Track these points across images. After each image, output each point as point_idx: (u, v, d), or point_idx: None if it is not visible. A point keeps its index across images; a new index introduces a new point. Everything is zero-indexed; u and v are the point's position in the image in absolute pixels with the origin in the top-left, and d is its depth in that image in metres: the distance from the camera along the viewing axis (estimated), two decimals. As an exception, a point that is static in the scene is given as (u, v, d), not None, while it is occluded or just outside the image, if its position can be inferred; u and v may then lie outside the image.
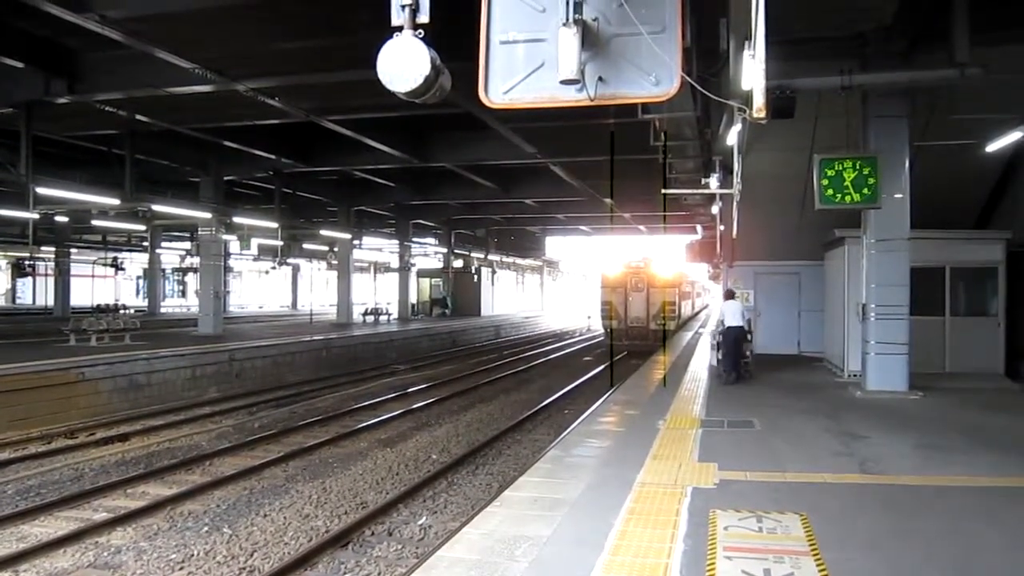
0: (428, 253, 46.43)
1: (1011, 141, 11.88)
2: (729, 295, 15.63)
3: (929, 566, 4.96)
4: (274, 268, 39.94)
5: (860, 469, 7.44)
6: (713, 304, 18.75)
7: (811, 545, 5.16)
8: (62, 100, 14.45)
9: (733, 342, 13.95)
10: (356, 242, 33.51)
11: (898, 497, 6.53)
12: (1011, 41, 10.73)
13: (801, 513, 5.83)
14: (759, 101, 5.37)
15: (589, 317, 43.46)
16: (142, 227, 31.54)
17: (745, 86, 6.09)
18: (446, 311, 44.15)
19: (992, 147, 12.31)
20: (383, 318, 35.21)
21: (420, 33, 4.86)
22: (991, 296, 14.46)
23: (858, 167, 10.96)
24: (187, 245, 39.81)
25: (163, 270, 47.08)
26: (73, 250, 38.80)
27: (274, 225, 26.67)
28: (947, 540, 5.47)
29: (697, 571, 4.74)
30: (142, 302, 46.29)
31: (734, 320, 14.08)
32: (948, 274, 14.46)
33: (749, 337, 14.53)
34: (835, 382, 14.15)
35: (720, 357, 14.39)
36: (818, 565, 4.80)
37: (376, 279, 56.11)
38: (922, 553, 5.18)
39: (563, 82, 4.75)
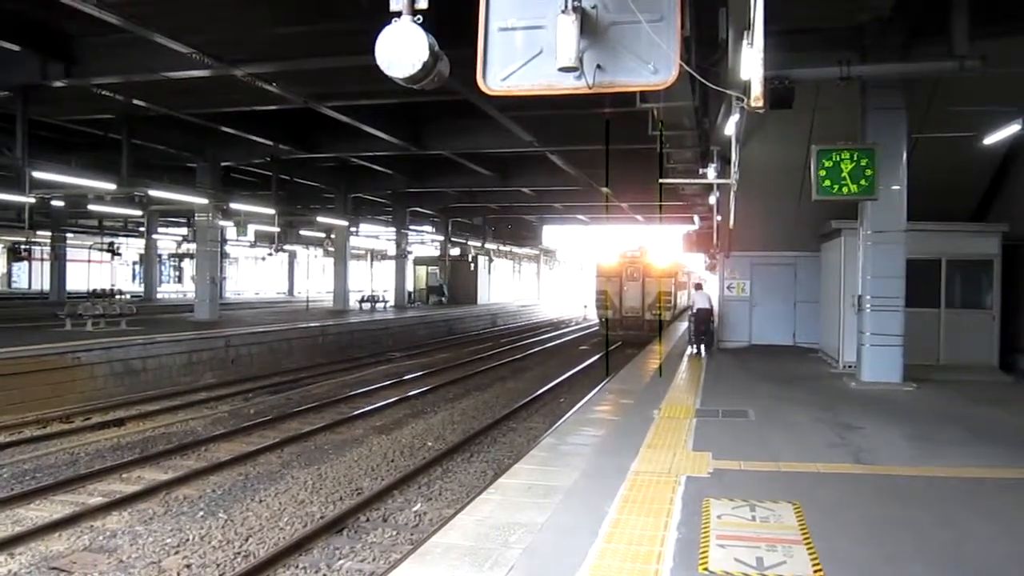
0: (425, 241, 46.39)
1: (1009, 134, 11.88)
2: (698, 287, 19.27)
3: (920, 555, 4.99)
4: (271, 255, 39.87)
5: (854, 459, 7.48)
6: (712, 296, 19.51)
7: (804, 534, 5.19)
8: (59, 84, 14.39)
9: (702, 320, 17.61)
10: (353, 229, 33.45)
11: (891, 487, 6.57)
12: (1010, 34, 10.71)
13: (794, 502, 5.86)
14: (757, 91, 5.37)
15: (586, 306, 43.49)
16: (139, 212, 31.47)
17: (744, 76, 6.09)
18: (442, 299, 44.14)
19: (990, 140, 12.31)
20: (379, 305, 35.21)
21: (419, 19, 4.85)
22: (986, 289, 14.48)
23: (855, 158, 10.97)
24: (184, 231, 39.76)
25: (159, 255, 46.95)
26: (69, 235, 38.68)
27: (271, 211, 26.62)
28: (938, 529, 5.50)
29: (690, 559, 4.77)
30: (138, 287, 46.23)
31: (702, 304, 17.75)
32: (944, 266, 14.49)
33: (713, 318, 18.36)
34: (830, 373, 14.20)
35: (692, 332, 18.12)
36: (810, 553, 4.83)
37: (373, 266, 56.06)
38: (913, 542, 5.22)
39: (561, 69, 4.74)
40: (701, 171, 16.91)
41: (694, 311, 17.95)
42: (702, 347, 17.54)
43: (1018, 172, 14.91)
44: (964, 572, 4.78)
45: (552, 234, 58.86)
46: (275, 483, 9.96)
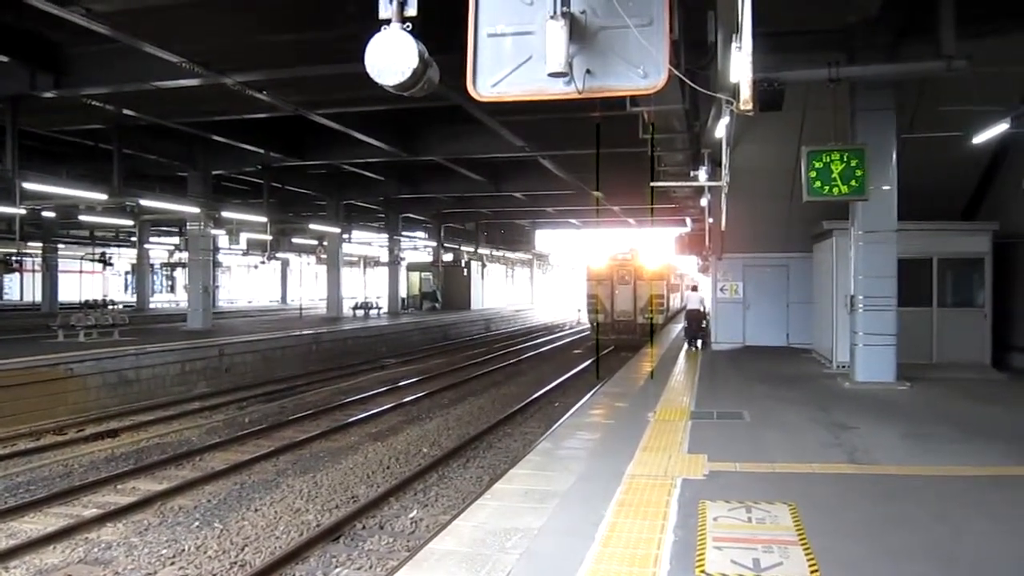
0: (418, 247, 46.37)
1: (997, 133, 11.94)
2: (693, 288, 21.09)
3: (916, 553, 5.00)
4: (263, 263, 39.81)
5: (849, 459, 7.49)
6: (706, 298, 20.65)
7: (800, 534, 5.20)
8: (48, 94, 14.34)
9: (693, 319, 19.40)
10: (345, 236, 33.41)
11: (886, 486, 6.58)
12: (996, 33, 10.78)
13: (790, 503, 5.87)
14: (746, 94, 5.37)
15: (579, 310, 43.50)
16: (130, 222, 31.43)
17: (733, 79, 6.10)
18: (436, 305, 44.12)
19: (978, 139, 12.36)
20: (373, 312, 35.17)
21: (408, 26, 4.86)
22: (978, 287, 14.53)
23: (846, 159, 11.00)
24: (176, 240, 39.67)
25: (151, 265, 46.83)
26: (60, 245, 38.57)
27: (263, 219, 26.57)
28: (934, 528, 5.51)
29: (687, 561, 4.77)
30: (131, 297, 46.03)
31: (691, 304, 19.77)
32: (935, 265, 14.54)
33: (707, 317, 20.12)
34: (824, 373, 14.23)
35: (686, 329, 20.08)
36: (807, 554, 4.84)
37: (366, 273, 56.00)
38: (910, 541, 5.22)
39: (551, 75, 4.75)
40: (692, 174, 16.96)
41: (687, 310, 20.07)
42: (696, 344, 19.18)
43: (1007, 170, 14.98)
44: (960, 570, 4.79)
45: (545, 238, 58.98)
46: (271, 492, 9.93)
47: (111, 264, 44.65)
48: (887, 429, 8.93)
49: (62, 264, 40.32)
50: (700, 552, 4.91)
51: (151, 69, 13.25)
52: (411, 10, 4.87)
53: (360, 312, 34.62)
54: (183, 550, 7.82)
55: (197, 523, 8.69)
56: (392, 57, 4.82)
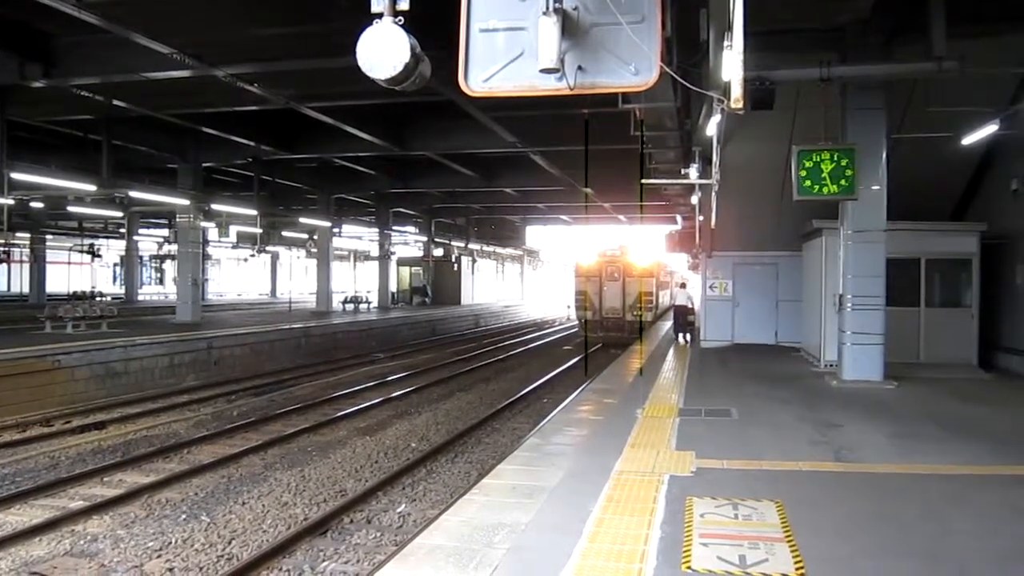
0: (408, 241, 46.27)
1: (987, 134, 12.00)
2: (681, 285, 22.14)
3: (901, 551, 5.03)
4: (253, 256, 39.66)
5: (835, 457, 7.53)
6: (694, 295, 21.23)
7: (786, 531, 5.23)
8: (37, 84, 14.24)
9: (680, 313, 20.73)
10: (336, 230, 33.32)
11: (872, 484, 6.62)
12: (987, 35, 10.84)
13: (776, 500, 5.90)
14: (737, 92, 5.38)
15: (569, 307, 43.53)
16: (119, 214, 31.24)
17: (724, 77, 6.11)
18: (426, 300, 44.07)
19: (968, 140, 12.42)
20: (363, 306, 35.10)
21: (400, 20, 4.85)
22: (965, 287, 14.62)
23: (836, 158, 11.02)
24: (165, 232, 39.49)
25: (140, 257, 46.57)
26: (49, 237, 38.32)
27: (253, 212, 26.48)
28: (920, 526, 5.55)
29: (673, 557, 4.79)
30: (119, 289, 45.84)
31: (678, 300, 20.99)
32: (923, 265, 14.61)
33: (694, 312, 21.62)
34: (812, 372, 14.29)
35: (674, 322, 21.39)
36: (792, 551, 4.87)
37: (356, 267, 55.90)
38: (895, 538, 5.26)
39: (543, 71, 4.76)
40: (683, 171, 16.95)
41: (674, 305, 21.39)
42: (685, 337, 20.43)
43: (996, 172, 15.06)
44: (945, 568, 4.83)
45: (535, 234, 58.97)
46: (258, 485, 9.92)
47: (99, 256, 44.41)
48: (874, 428, 8.98)
49: (50, 255, 40.07)
50: (686, 548, 4.93)
51: (142, 60, 13.15)
52: (403, 4, 4.87)
53: (350, 306, 34.55)
54: (170, 543, 7.80)
55: (184, 516, 8.67)
56: (384, 51, 4.81)
